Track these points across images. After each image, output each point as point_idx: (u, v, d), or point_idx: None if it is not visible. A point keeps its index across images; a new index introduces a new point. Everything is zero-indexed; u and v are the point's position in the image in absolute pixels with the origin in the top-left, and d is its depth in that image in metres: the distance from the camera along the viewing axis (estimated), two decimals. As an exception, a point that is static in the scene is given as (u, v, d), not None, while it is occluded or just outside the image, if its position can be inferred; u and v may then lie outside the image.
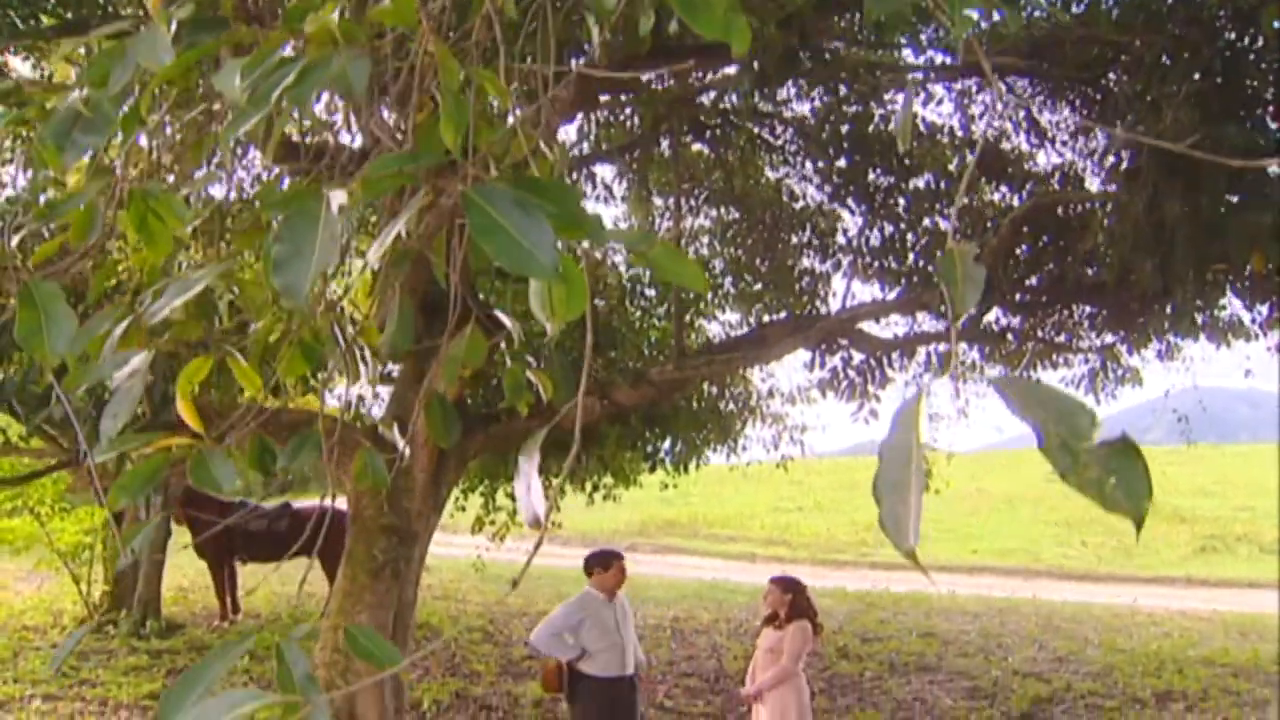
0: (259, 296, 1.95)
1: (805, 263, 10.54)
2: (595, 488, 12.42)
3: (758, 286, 10.90)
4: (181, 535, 15.53)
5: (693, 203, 11.06)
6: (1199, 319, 9.77)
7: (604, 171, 10.96)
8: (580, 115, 9.78)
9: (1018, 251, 8.96)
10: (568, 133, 10.23)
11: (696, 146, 10.81)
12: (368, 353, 1.98)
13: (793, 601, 7.46)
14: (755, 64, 6.49)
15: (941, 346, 10.16)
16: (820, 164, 9.99)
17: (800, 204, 10.74)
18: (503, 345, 6.93)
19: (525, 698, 10.23)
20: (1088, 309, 9.91)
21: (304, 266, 1.15)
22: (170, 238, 1.54)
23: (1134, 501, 0.92)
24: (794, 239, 10.68)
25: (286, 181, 5.92)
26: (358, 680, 6.99)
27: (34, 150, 1.40)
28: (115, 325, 1.68)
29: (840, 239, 10.24)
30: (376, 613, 7.00)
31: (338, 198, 1.17)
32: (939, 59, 9.10)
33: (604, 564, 7.52)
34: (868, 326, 9.35)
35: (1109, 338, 10.08)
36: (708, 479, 32.73)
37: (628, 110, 10.46)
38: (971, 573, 20.28)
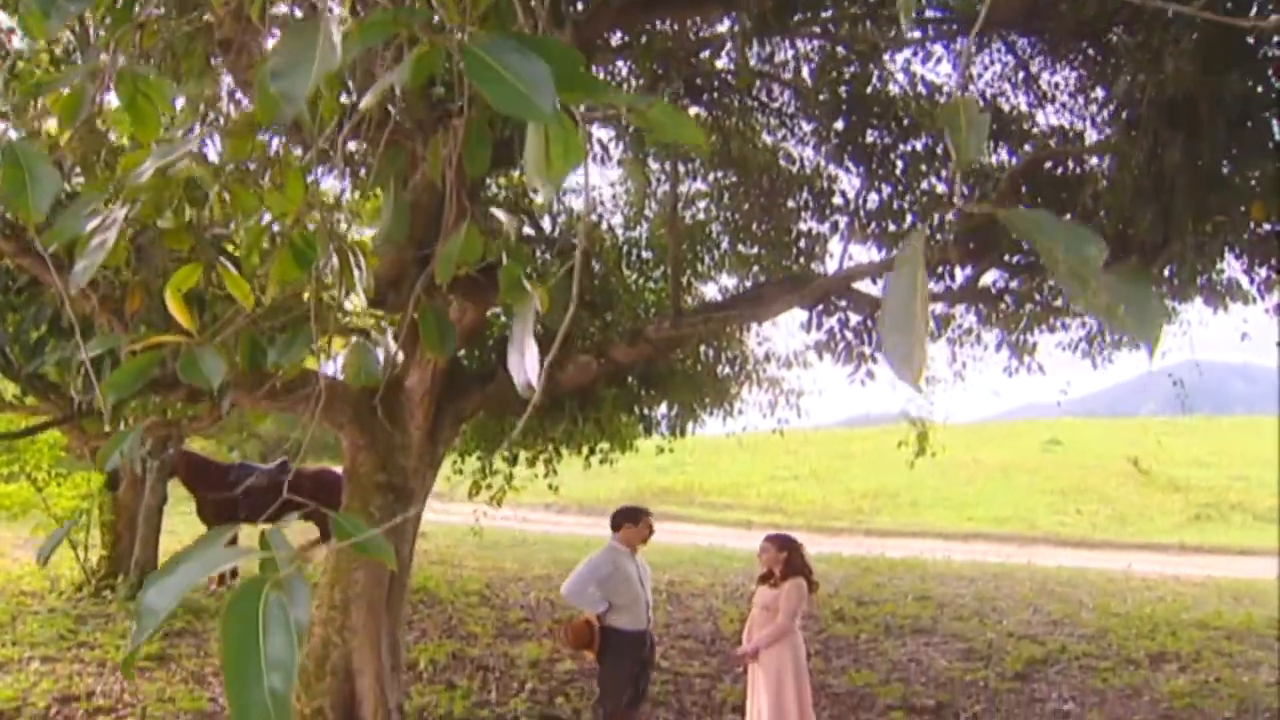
0: (250, 201, 1.92)
1: (802, 225, 10.50)
2: (592, 451, 12.43)
3: (755, 250, 10.86)
4: (178, 502, 15.55)
5: (689, 166, 11.00)
6: (1198, 280, 9.77)
7: (600, 134, 10.88)
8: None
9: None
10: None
11: (694, 110, 10.74)
12: (363, 259, 1.95)
13: (788, 559, 7.46)
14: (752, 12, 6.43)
15: (939, 308, 10.15)
16: (818, 125, 9.94)
17: (797, 167, 10.69)
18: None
19: (521, 658, 10.26)
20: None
21: (303, 73, 1.13)
22: (159, 120, 1.52)
23: (1146, 327, 0.91)
24: (791, 202, 10.64)
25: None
26: (354, 637, 7.02)
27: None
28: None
29: (838, 200, 10.20)
30: (372, 569, 7.00)
31: (335, 13, 1.15)
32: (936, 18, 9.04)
33: (633, 518, 7.54)
34: (865, 288, 9.33)
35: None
36: (703, 448, 32.87)
37: (624, 71, 10.39)
38: (967, 539, 20.36)
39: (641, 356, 8.14)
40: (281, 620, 1.11)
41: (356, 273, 1.86)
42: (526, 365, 1.42)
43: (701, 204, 11.49)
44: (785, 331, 33.68)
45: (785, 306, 8.21)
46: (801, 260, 10.22)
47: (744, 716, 7.81)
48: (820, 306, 9.26)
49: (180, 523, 20.34)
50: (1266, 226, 8.37)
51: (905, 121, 9.40)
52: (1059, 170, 8.82)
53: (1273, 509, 22.30)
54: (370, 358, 1.75)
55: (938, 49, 9.31)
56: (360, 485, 7.09)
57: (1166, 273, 9.57)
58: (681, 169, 10.50)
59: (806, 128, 10.43)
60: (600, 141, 10.69)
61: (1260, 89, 4.83)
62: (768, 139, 10.91)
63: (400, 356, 2.04)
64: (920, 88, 9.51)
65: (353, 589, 6.97)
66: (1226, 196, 4.68)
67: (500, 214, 1.87)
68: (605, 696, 7.39)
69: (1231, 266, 9.54)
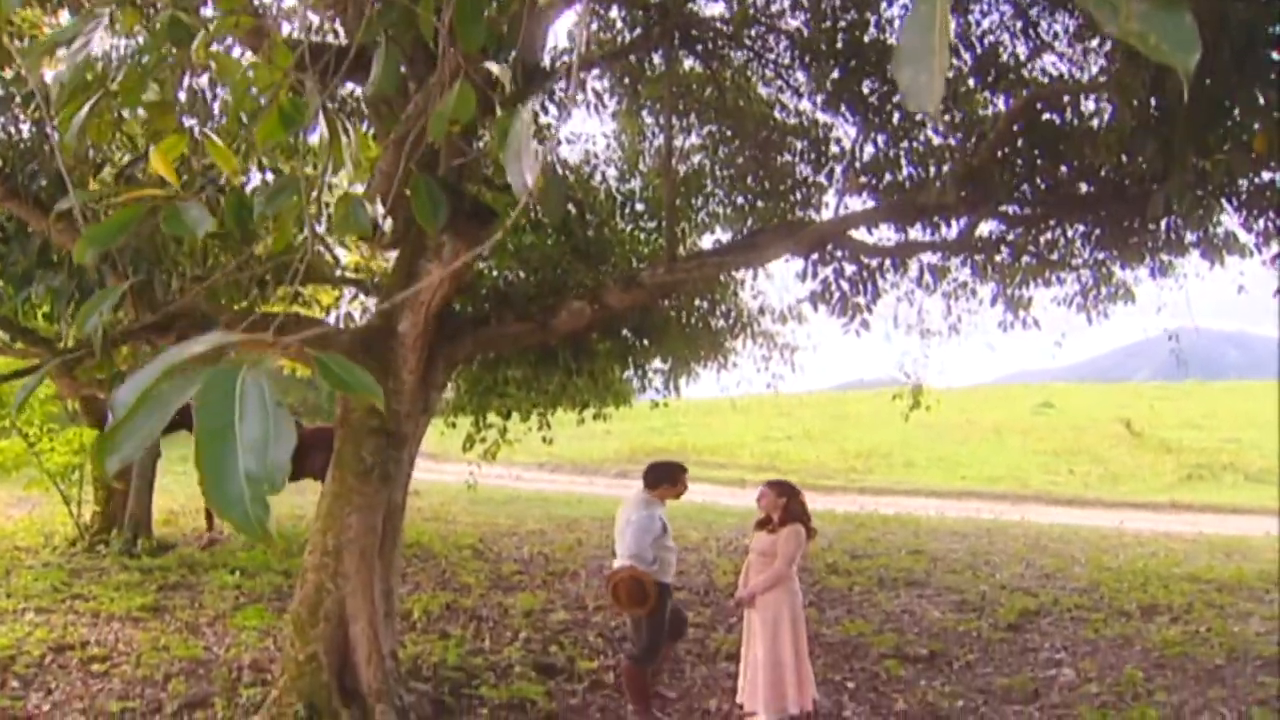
0: (234, 66, 1.86)
1: (798, 175, 10.43)
2: (585, 406, 12.40)
3: (750, 200, 10.79)
4: (172, 463, 15.51)
5: (684, 121, 10.93)
6: (1197, 212, 9.69)
7: (595, 84, 10.80)
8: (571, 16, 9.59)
9: (1016, 162, 8.84)
10: (557, 36, 10.02)
11: (689, 63, 10.66)
12: (352, 131, 1.89)
13: (787, 505, 7.45)
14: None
15: (933, 257, 10.10)
16: (814, 74, 9.83)
17: (793, 119, 10.60)
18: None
19: (515, 608, 10.27)
20: (1081, 227, 9.83)
21: None
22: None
23: (1180, 52, 0.87)
24: (787, 154, 10.56)
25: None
26: (347, 583, 7.01)
27: None
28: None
29: (834, 149, 10.12)
30: (365, 515, 6.98)
31: None
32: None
33: (671, 476, 7.53)
34: (861, 239, 9.26)
35: (1101, 256, 10.01)
36: (697, 410, 32.93)
37: (618, 23, 10.28)
38: (960, 498, 20.40)
39: (636, 302, 8.09)
40: (259, 401, 1.06)
41: (344, 139, 1.80)
42: (524, 166, 1.36)
43: (696, 158, 11.40)
44: (780, 285, 33.80)
45: (780, 252, 8.15)
46: (797, 210, 10.16)
47: (739, 663, 7.82)
48: (815, 256, 9.20)
49: (174, 482, 20.31)
50: (1266, 176, 8.33)
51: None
52: (1056, 118, 8.74)
53: (1265, 470, 22.37)
54: (359, 209, 1.69)
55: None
56: (353, 430, 7.05)
57: (1163, 225, 9.58)
58: (676, 123, 10.42)
59: (802, 78, 10.33)
60: (595, 91, 10.62)
61: (1265, 18, 4.77)
62: (764, 91, 10.82)
63: (389, 224, 1.98)
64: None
65: (345, 535, 6.94)
66: (1229, 128, 4.62)
67: (493, 66, 1.81)
68: (642, 644, 7.34)
69: (1228, 220, 9.49)
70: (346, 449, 7.04)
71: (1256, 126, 4.82)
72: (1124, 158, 8.91)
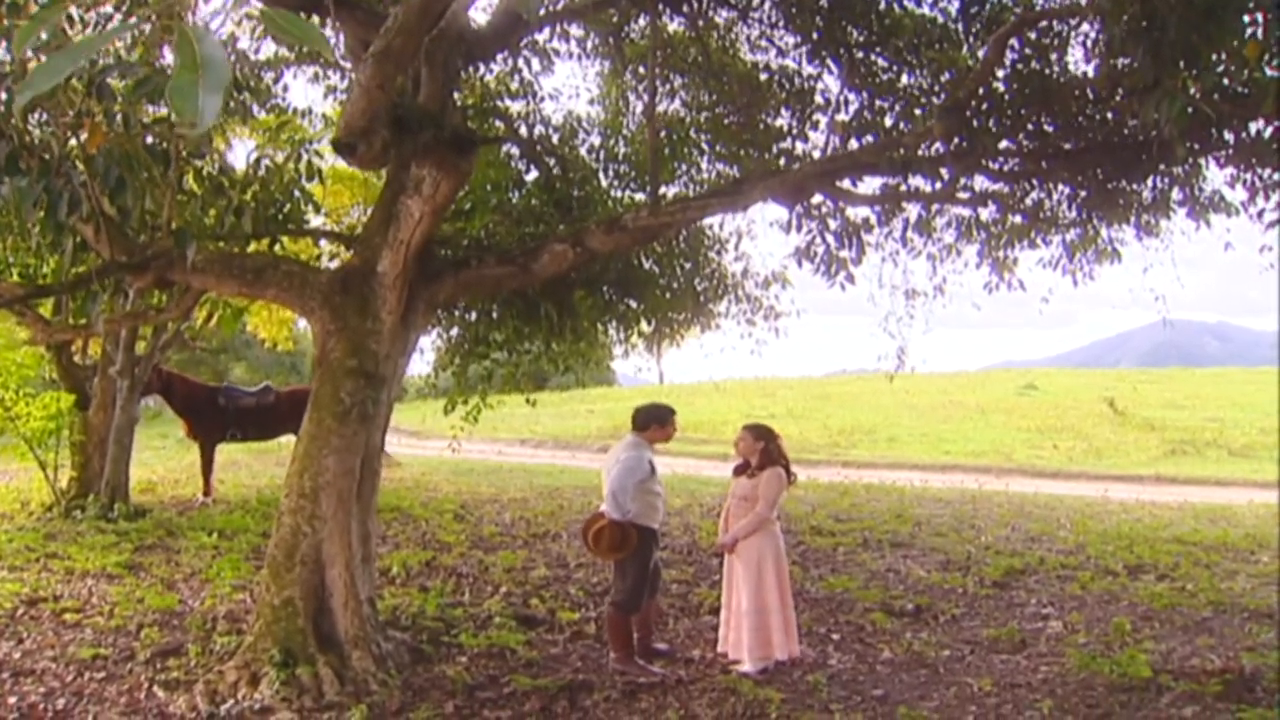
0: None
1: (783, 129, 10.32)
2: (568, 369, 12.25)
3: (736, 155, 10.66)
4: (151, 439, 15.33)
5: (670, 86, 10.82)
6: (1178, 194, 9.62)
7: (579, 34, 10.67)
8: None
9: (1003, 112, 8.74)
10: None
11: (674, 26, 10.53)
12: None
13: (765, 448, 7.37)
14: None
15: (918, 211, 10.01)
16: (799, 27, 9.71)
17: (778, 79, 10.47)
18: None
19: (496, 565, 10.16)
20: (1066, 189, 9.75)
21: None
22: None
23: None
24: (771, 117, 10.45)
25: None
26: (324, 526, 6.87)
27: None
28: None
29: (819, 101, 10.01)
30: (343, 456, 6.86)
31: None
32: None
33: (661, 418, 7.41)
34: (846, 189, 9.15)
35: (1087, 214, 9.93)
36: (681, 392, 32.86)
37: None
38: (944, 471, 20.31)
39: (619, 247, 7.97)
40: None
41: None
42: None
43: (685, 117, 11.26)
44: (764, 251, 33.77)
45: (763, 195, 8.03)
46: (782, 162, 10.04)
47: (721, 613, 7.72)
48: (800, 209, 9.09)
49: (154, 456, 20.17)
50: (1254, 128, 8.23)
51: (886, 20, 9.20)
52: (1043, 70, 8.65)
53: (1248, 446, 22.40)
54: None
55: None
56: (331, 371, 6.91)
57: (1150, 183, 9.50)
58: (661, 88, 10.29)
59: (786, 32, 10.21)
60: (578, 39, 10.49)
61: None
62: (749, 56, 10.68)
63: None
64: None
65: (322, 477, 6.82)
66: (1221, 34, 4.52)
67: None
68: (625, 590, 7.25)
69: (1214, 176, 9.42)
70: (324, 389, 6.91)
71: (1248, 34, 4.74)
72: (1111, 115, 8.87)
